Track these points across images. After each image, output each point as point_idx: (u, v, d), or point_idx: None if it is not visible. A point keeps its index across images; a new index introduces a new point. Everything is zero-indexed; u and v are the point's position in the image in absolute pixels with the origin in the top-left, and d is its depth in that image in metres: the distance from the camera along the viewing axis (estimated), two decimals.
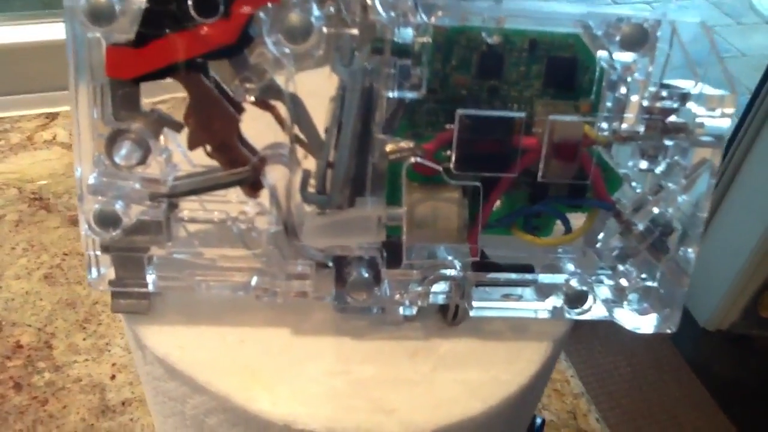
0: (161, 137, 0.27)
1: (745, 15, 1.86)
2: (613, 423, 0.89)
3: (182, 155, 0.28)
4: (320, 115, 0.28)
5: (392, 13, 0.26)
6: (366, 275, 0.29)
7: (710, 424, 0.92)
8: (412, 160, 0.28)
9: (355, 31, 0.26)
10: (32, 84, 0.69)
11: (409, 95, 0.27)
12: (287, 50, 0.25)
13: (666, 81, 0.28)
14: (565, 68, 0.29)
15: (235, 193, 0.29)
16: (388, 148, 0.27)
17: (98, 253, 0.28)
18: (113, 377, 0.55)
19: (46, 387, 0.53)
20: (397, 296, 0.29)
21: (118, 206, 0.27)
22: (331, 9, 0.26)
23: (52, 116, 0.71)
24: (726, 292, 0.96)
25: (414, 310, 0.30)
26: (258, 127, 0.28)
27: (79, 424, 0.49)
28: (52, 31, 0.68)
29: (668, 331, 0.30)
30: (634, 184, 0.30)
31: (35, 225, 0.63)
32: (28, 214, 0.63)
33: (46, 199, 0.65)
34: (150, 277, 0.29)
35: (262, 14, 0.25)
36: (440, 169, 0.28)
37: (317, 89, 0.28)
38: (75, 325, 0.57)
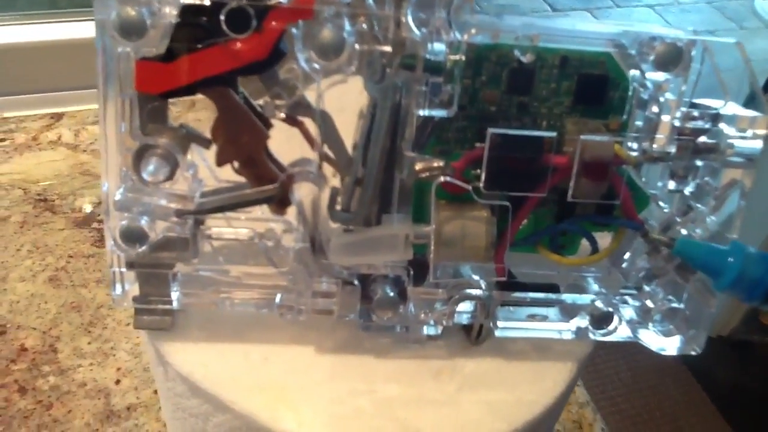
0: (188, 153, 0.27)
1: (748, 19, 1.86)
2: (614, 428, 0.89)
3: (209, 171, 0.27)
4: (347, 131, 0.28)
5: (425, 30, 0.25)
6: (392, 294, 0.28)
7: (711, 430, 0.92)
8: (441, 178, 0.27)
9: (387, 48, 0.25)
10: (37, 84, 0.68)
11: (440, 113, 0.26)
12: (318, 66, 0.25)
13: (697, 101, 0.28)
14: (595, 85, 0.29)
15: (262, 210, 0.28)
16: (418, 166, 0.27)
17: (123, 269, 0.27)
18: (118, 382, 0.54)
19: (51, 391, 0.52)
20: (422, 315, 0.29)
21: (144, 222, 0.26)
22: (364, 25, 0.25)
23: (58, 116, 0.70)
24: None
25: (438, 330, 0.30)
26: (285, 143, 0.28)
27: (83, 429, 0.49)
28: (57, 30, 0.67)
29: (692, 353, 0.30)
30: (662, 204, 0.30)
31: (40, 227, 0.62)
32: (33, 215, 0.63)
33: (51, 201, 0.64)
34: (174, 294, 0.28)
35: (293, 30, 0.25)
36: (470, 188, 0.27)
37: (345, 104, 0.27)
38: (80, 328, 0.56)
